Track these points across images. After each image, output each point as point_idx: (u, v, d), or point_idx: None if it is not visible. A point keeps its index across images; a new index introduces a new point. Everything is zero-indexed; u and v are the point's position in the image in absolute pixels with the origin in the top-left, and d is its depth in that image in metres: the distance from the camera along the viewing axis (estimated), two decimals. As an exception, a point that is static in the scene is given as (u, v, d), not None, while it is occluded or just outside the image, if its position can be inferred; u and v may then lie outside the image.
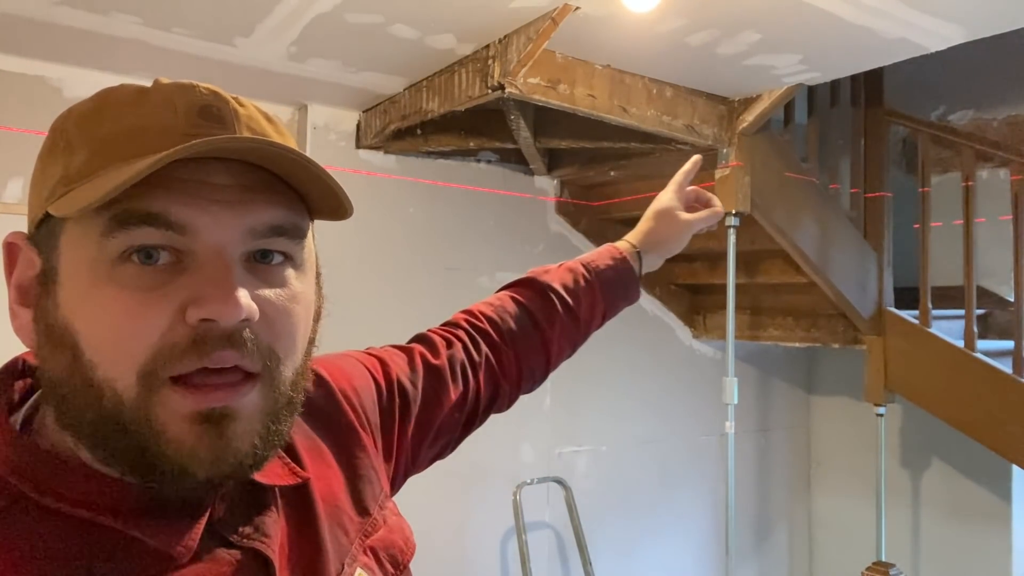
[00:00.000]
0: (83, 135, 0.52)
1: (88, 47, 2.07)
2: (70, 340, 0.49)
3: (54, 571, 0.48)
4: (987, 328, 3.26)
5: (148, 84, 0.55)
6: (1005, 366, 2.62)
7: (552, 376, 3.36)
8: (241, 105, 0.55)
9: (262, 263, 0.53)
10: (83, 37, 2.00)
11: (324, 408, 0.69)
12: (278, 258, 0.53)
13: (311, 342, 0.57)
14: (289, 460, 0.62)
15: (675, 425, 3.50)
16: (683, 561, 3.51)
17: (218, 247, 0.50)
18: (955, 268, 2.85)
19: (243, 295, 0.49)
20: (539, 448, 3.09)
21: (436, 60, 2.19)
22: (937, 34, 1.97)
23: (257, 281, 0.52)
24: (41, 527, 0.49)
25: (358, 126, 2.67)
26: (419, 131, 2.60)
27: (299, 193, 0.55)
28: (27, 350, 0.57)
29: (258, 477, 0.57)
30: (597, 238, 3.25)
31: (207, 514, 0.53)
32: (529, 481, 2.96)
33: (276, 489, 0.60)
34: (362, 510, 0.67)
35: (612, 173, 3.01)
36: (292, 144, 0.55)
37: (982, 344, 2.73)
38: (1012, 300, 2.71)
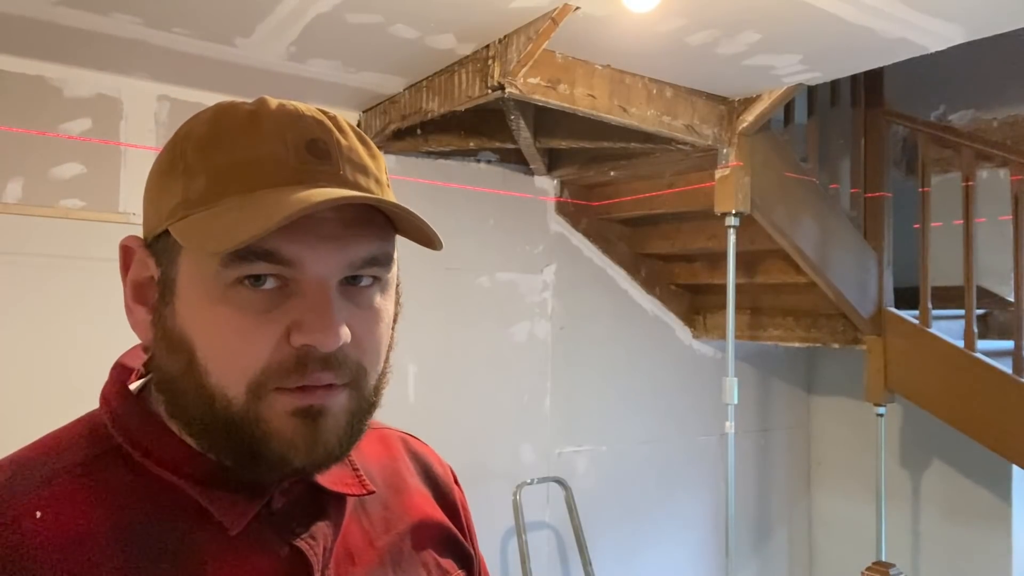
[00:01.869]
0: (202, 161, 0.56)
1: (88, 47, 2.07)
2: (187, 347, 0.56)
3: (123, 519, 0.54)
4: (987, 328, 3.26)
5: (254, 106, 0.59)
6: (1005, 366, 2.61)
7: (552, 376, 3.39)
8: (342, 133, 0.59)
9: (353, 285, 0.58)
10: (83, 37, 1.99)
11: (447, 497, 0.76)
12: (367, 280, 0.59)
13: (390, 347, 0.63)
14: (361, 472, 0.67)
15: (675, 425, 3.50)
16: (683, 561, 3.51)
17: (320, 278, 0.55)
18: (955, 268, 2.85)
19: (342, 326, 0.55)
20: (539, 448, 3.09)
21: (436, 60, 2.19)
22: (937, 34, 1.97)
23: (348, 303, 0.57)
24: (123, 479, 0.56)
25: (358, 126, 2.67)
26: (419, 131, 2.60)
27: (392, 221, 0.60)
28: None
29: (324, 483, 0.62)
30: (597, 238, 3.25)
31: (266, 499, 0.59)
32: (529, 481, 2.96)
33: (344, 499, 0.64)
34: (449, 566, 0.71)
35: (612, 173, 3.01)
36: (383, 167, 0.61)
37: (982, 344, 2.73)
38: (1012, 300, 2.70)
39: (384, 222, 0.59)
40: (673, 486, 3.49)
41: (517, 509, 2.86)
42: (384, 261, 0.59)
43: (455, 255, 2.89)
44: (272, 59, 2.15)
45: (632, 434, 3.37)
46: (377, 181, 0.59)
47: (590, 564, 2.97)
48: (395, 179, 3.14)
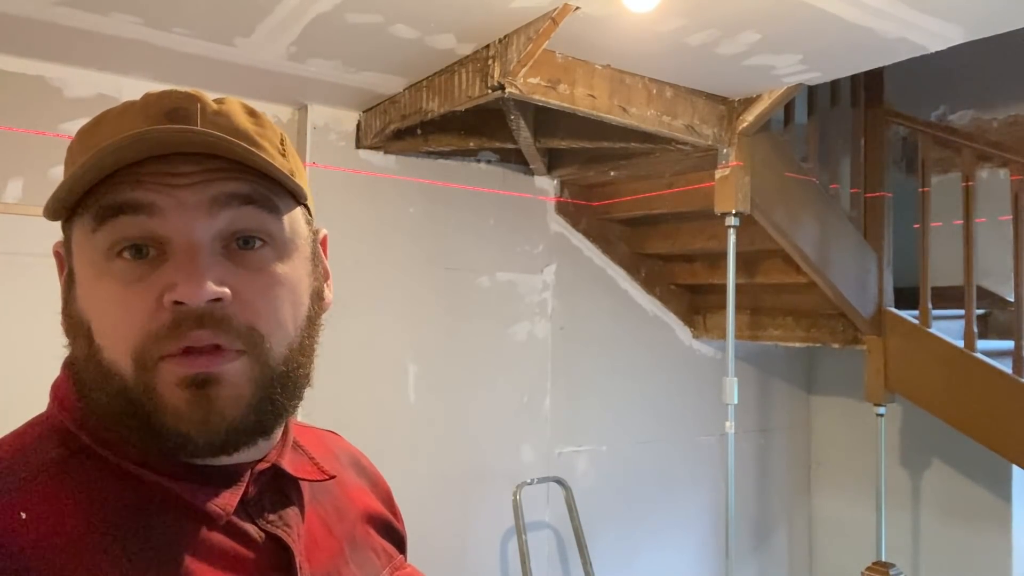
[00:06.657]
0: (81, 147, 0.59)
1: (88, 47, 2.07)
2: (85, 329, 0.56)
3: (107, 517, 0.54)
4: (987, 328, 3.26)
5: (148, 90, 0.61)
6: (1005, 366, 2.61)
7: (552, 376, 3.39)
8: (219, 103, 0.59)
9: (244, 249, 0.57)
10: (83, 37, 1.99)
11: (375, 481, 0.79)
12: (258, 243, 0.58)
13: (311, 320, 0.62)
14: (318, 460, 0.68)
15: (675, 425, 3.50)
16: (683, 561, 3.51)
17: (187, 232, 0.55)
18: (955, 268, 2.85)
19: (207, 277, 0.54)
20: (539, 448, 3.09)
21: (436, 60, 2.19)
22: (937, 34, 1.97)
23: (235, 266, 0.56)
24: (98, 476, 0.55)
25: (358, 126, 2.67)
26: (419, 131, 2.60)
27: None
28: None
29: (287, 468, 0.63)
30: (597, 238, 3.25)
31: (243, 485, 0.59)
32: (529, 481, 2.96)
33: (303, 485, 0.65)
34: (391, 551, 0.74)
35: (612, 173, 3.01)
36: (271, 138, 0.59)
37: (982, 344, 2.73)
38: (1012, 300, 2.71)
39: (263, 177, 0.58)
40: (673, 486, 3.49)
41: (517, 509, 2.86)
42: (263, 203, 0.57)
43: (455, 255, 2.89)
44: (272, 59, 2.15)
45: (632, 434, 3.37)
46: (255, 145, 0.57)
47: (590, 564, 2.97)
48: (395, 179, 3.12)
